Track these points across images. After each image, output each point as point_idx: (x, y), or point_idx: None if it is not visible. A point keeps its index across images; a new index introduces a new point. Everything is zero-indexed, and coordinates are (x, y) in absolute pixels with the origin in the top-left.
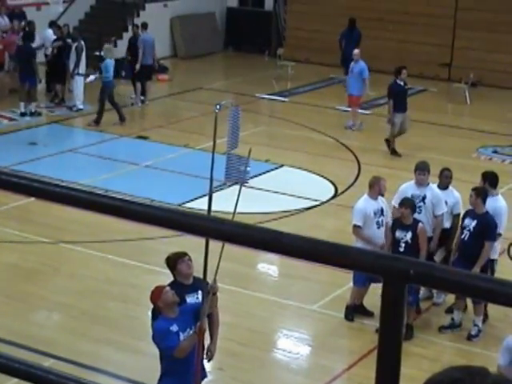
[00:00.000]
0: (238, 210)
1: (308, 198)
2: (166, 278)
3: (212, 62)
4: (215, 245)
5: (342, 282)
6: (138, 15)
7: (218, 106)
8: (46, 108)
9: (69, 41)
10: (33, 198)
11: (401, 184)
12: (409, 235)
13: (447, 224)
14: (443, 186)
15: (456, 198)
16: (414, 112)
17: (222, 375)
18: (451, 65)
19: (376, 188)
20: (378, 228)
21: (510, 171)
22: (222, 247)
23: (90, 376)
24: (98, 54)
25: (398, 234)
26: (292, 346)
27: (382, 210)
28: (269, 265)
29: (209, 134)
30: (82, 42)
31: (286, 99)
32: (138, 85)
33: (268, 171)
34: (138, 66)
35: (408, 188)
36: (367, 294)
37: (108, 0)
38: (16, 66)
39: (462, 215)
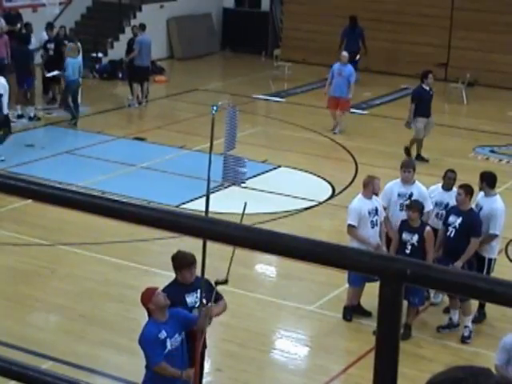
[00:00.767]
0: (235, 211)
1: (305, 199)
2: (163, 279)
3: (209, 62)
4: (213, 246)
5: (339, 283)
6: (135, 16)
7: (214, 107)
8: (43, 110)
9: (65, 42)
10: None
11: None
12: (415, 238)
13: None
14: (447, 187)
15: None
16: None
17: (220, 376)
18: (448, 65)
19: (370, 187)
20: (373, 227)
21: (507, 171)
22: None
23: (87, 378)
24: (94, 55)
25: (405, 236)
26: (290, 346)
27: (376, 210)
28: (266, 265)
29: (206, 134)
30: (79, 44)
31: (282, 100)
32: (135, 86)
33: (265, 172)
34: (126, 59)
35: (394, 186)
36: (365, 294)
37: (104, 1)
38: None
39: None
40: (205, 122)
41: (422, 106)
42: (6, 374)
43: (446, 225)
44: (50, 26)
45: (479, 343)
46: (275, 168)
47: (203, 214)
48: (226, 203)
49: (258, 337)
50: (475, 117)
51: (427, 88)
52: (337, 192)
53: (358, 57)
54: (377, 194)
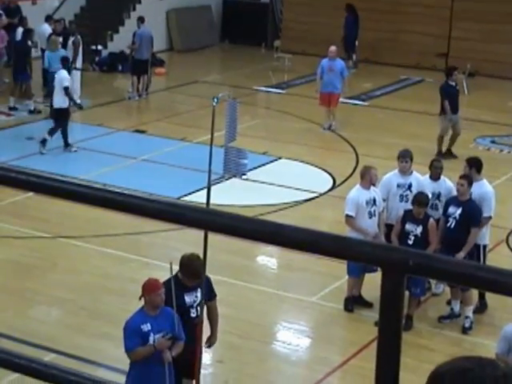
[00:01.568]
0: (236, 203)
1: (306, 190)
2: (164, 272)
3: (208, 54)
4: (214, 239)
5: (340, 274)
6: (134, 9)
7: (215, 99)
8: (44, 103)
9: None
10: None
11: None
12: (419, 229)
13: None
14: (434, 177)
15: (449, 187)
16: (411, 103)
17: (222, 368)
18: (448, 55)
19: (367, 178)
20: (370, 218)
21: (508, 161)
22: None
23: (89, 370)
24: (94, 48)
25: (408, 226)
26: (291, 337)
27: (374, 200)
28: (268, 257)
29: (206, 127)
30: (79, 37)
31: (283, 91)
32: (135, 79)
33: (266, 164)
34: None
35: (392, 177)
36: (366, 285)
37: None
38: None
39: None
40: (205, 114)
41: (449, 102)
42: (11, 366)
43: (446, 216)
44: (52, 20)
45: (480, 333)
46: (276, 160)
47: (204, 206)
48: (227, 195)
49: (260, 328)
50: (476, 107)
51: (453, 84)
52: (337, 183)
53: (356, 42)
54: (374, 185)
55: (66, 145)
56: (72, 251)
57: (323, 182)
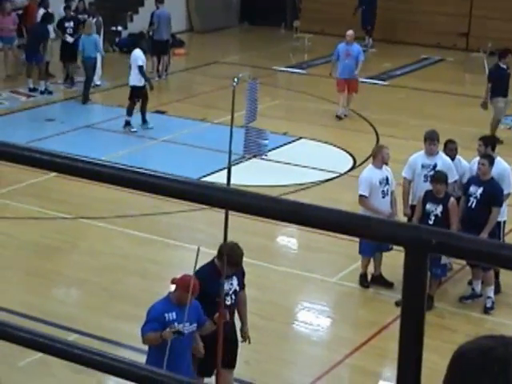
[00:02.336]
0: (257, 183)
1: (326, 170)
2: (185, 252)
3: (228, 35)
4: (235, 220)
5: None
6: None
7: (235, 80)
8: (64, 84)
9: (83, 16)
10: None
11: None
12: (439, 209)
13: (459, 193)
14: (449, 157)
15: (464, 167)
16: (432, 82)
17: (242, 348)
18: (469, 34)
19: (379, 157)
20: (383, 197)
21: None
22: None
23: (111, 350)
24: (114, 29)
25: (429, 206)
26: (312, 318)
27: (387, 179)
28: (288, 237)
29: (226, 107)
30: (100, 18)
31: (303, 71)
32: (155, 59)
33: (286, 144)
34: (148, 32)
35: (418, 158)
36: (387, 265)
37: None
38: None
39: (465, 183)
40: (225, 94)
41: (500, 85)
42: (34, 346)
43: (467, 195)
44: (68, 6)
45: (501, 313)
46: (296, 140)
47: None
48: (248, 176)
49: (280, 309)
50: None
51: (504, 67)
52: (358, 163)
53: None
54: (387, 164)
55: (144, 121)
56: (93, 232)
57: (343, 162)
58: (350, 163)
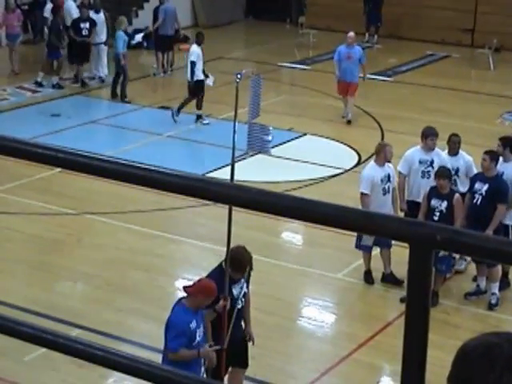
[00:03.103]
0: (261, 179)
1: (331, 166)
2: (189, 247)
3: (233, 30)
4: (238, 215)
5: None
6: None
7: (238, 75)
8: (69, 79)
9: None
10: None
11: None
12: (444, 204)
13: (462, 188)
14: (452, 152)
15: (468, 161)
16: (437, 78)
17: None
18: (474, 30)
19: (382, 155)
20: (384, 195)
21: None
22: None
23: (114, 345)
24: None
25: (434, 202)
26: (316, 313)
27: (388, 177)
28: (292, 233)
29: (231, 103)
30: (106, 13)
31: (308, 67)
32: (160, 55)
33: (291, 140)
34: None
35: (414, 153)
36: (393, 262)
37: None
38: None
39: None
40: (229, 90)
41: None
42: (38, 341)
43: (472, 192)
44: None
45: (506, 310)
46: (301, 136)
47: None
48: (252, 172)
49: (284, 304)
50: (502, 82)
51: None
52: (363, 159)
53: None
54: (389, 161)
55: (198, 116)
56: (98, 227)
57: (348, 158)
58: (355, 159)
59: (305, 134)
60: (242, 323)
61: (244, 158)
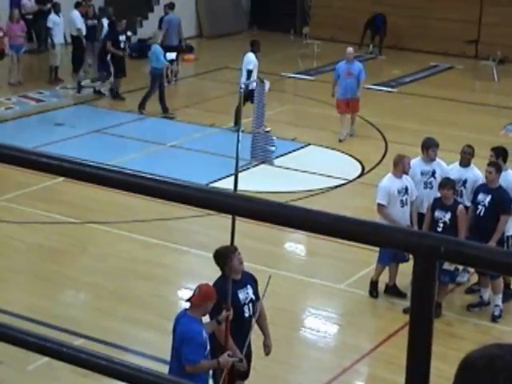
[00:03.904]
0: (264, 189)
1: (335, 177)
2: (192, 257)
3: (237, 41)
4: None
5: (369, 261)
6: None
7: (242, 85)
8: (73, 89)
9: (93, 22)
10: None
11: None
12: (448, 216)
13: (468, 202)
14: (464, 163)
15: (477, 175)
16: (441, 89)
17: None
18: (478, 41)
19: (400, 166)
20: (402, 207)
21: None
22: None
23: (117, 354)
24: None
25: (437, 213)
26: (319, 324)
27: (406, 189)
28: (295, 243)
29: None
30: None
31: (311, 78)
32: None
33: (295, 150)
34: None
35: (415, 165)
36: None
37: None
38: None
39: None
40: (234, 100)
41: None
42: (42, 350)
43: (475, 203)
44: (85, 4)
45: (509, 321)
46: (304, 146)
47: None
48: (256, 182)
49: (287, 314)
50: (506, 94)
51: None
52: (366, 170)
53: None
54: (407, 173)
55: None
56: (100, 236)
57: (352, 168)
58: (359, 170)
59: (308, 145)
60: (250, 335)
61: (248, 168)
